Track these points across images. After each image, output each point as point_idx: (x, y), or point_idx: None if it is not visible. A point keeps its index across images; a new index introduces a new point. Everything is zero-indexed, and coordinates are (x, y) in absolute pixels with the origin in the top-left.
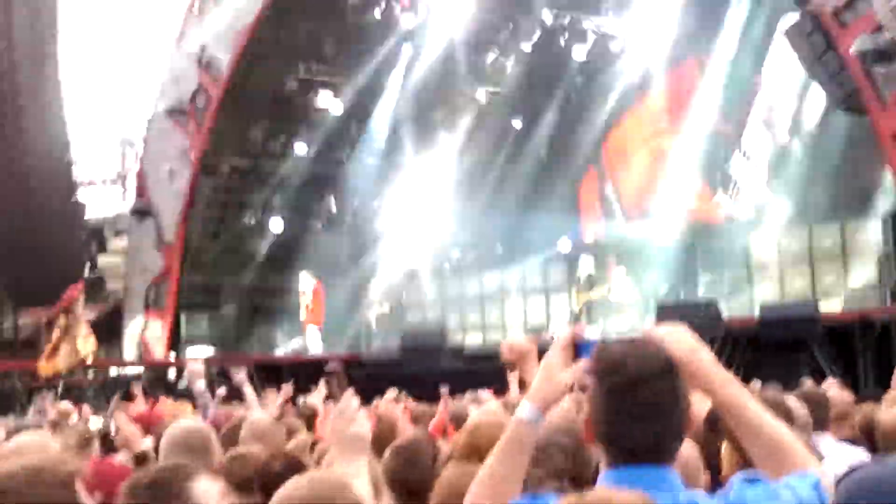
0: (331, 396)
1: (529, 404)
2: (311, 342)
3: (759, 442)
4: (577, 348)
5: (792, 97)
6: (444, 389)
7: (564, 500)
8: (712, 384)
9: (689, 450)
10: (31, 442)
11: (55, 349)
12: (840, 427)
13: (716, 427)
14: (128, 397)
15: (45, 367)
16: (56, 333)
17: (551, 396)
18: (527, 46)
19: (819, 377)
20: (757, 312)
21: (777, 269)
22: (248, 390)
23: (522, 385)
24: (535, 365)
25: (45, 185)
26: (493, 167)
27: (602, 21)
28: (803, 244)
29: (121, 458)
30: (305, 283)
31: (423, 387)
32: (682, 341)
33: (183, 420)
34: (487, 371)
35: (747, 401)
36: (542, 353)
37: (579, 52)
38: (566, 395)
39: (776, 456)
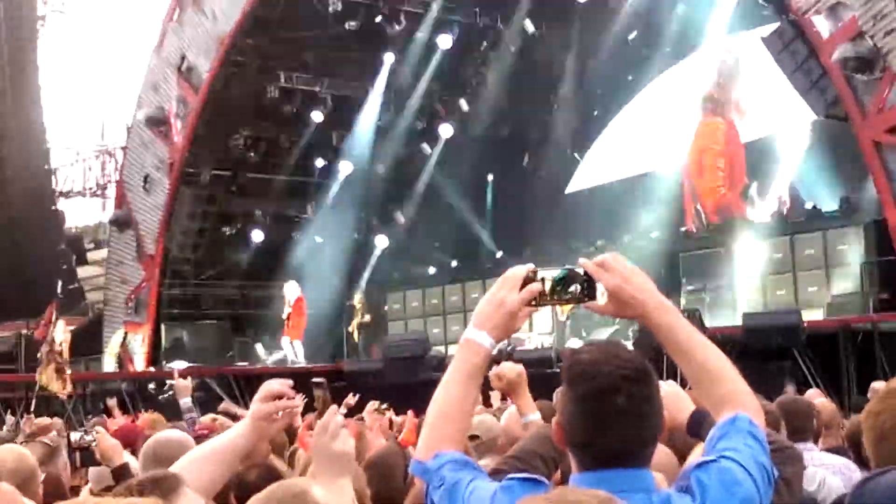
0: (314, 410)
1: (478, 329)
2: (290, 354)
3: (692, 364)
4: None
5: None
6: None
7: (525, 500)
8: (646, 309)
9: (664, 454)
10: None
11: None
12: (827, 436)
13: (697, 432)
14: (105, 412)
15: (56, 386)
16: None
17: (500, 322)
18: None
19: (803, 385)
20: (740, 321)
21: (760, 279)
22: (239, 411)
23: (504, 399)
24: (525, 391)
25: (25, 195)
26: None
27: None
28: (786, 253)
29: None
30: (290, 292)
31: (404, 398)
32: (616, 268)
33: (161, 432)
34: None
35: (681, 325)
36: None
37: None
38: (515, 322)
39: (707, 381)
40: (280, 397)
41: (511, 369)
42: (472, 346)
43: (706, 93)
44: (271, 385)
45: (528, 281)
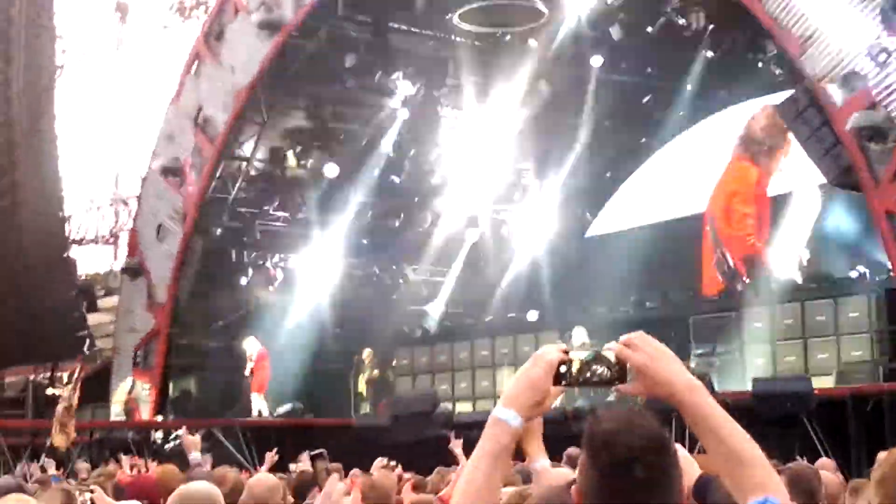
0: (316, 478)
1: (507, 408)
2: (255, 408)
3: (720, 445)
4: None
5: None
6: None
7: None
8: (674, 388)
9: None
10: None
11: (64, 424)
12: None
13: (703, 497)
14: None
15: (59, 440)
16: (63, 408)
17: (529, 402)
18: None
19: (812, 453)
20: (749, 386)
21: (770, 344)
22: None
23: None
24: (538, 438)
25: (38, 241)
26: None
27: None
28: (796, 319)
29: None
30: (251, 348)
31: (412, 455)
32: (643, 348)
33: (193, 483)
34: (477, 440)
35: (709, 405)
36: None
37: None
38: (544, 402)
39: (737, 465)
40: None
41: None
42: (500, 424)
43: (744, 132)
44: None
45: (558, 362)
